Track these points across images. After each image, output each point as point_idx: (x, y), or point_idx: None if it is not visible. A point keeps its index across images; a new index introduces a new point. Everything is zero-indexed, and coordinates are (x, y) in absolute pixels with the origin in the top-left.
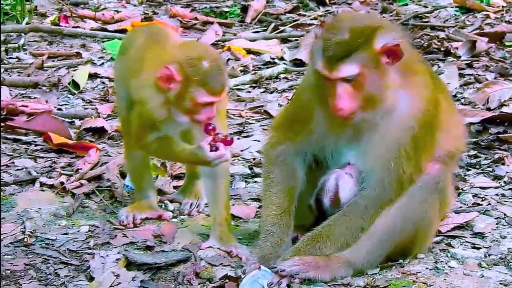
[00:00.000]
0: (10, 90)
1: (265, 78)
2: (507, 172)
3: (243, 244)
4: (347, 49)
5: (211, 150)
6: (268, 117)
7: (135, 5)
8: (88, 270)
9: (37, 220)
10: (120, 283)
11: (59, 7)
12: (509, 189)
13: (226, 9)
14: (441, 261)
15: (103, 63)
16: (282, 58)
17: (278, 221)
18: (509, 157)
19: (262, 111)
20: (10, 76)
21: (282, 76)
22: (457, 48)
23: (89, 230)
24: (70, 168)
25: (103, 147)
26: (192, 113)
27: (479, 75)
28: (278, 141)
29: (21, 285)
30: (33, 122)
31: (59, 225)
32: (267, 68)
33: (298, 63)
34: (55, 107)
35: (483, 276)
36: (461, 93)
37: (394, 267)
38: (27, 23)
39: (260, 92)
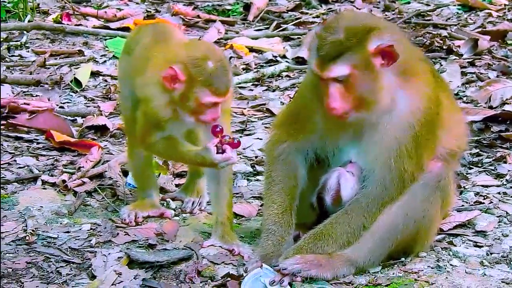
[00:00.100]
0: (12, 88)
1: (267, 76)
2: (509, 171)
3: (245, 242)
4: (339, 49)
5: (217, 152)
6: (270, 115)
7: (137, 3)
8: (90, 268)
9: (39, 218)
10: (122, 281)
11: (62, 5)
12: (511, 187)
13: (229, 7)
14: (443, 260)
15: (105, 61)
16: (284, 56)
17: (279, 220)
18: (511, 155)
19: (264, 109)
20: (12, 74)
21: (284, 74)
22: (459, 46)
23: (91, 228)
24: (72, 166)
25: (105, 145)
26: (197, 113)
27: (481, 73)
28: (280, 139)
29: (22, 283)
30: (35, 120)
31: (61, 223)
32: (269, 66)
33: (300, 61)
34: (57, 105)
35: (485, 274)
36: (463, 91)
37: (396, 265)
38: (29, 21)
39: (262, 90)
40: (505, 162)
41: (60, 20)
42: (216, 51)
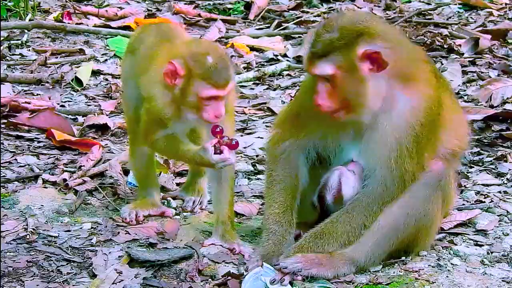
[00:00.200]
0: (13, 86)
1: (268, 75)
2: (509, 169)
3: (245, 241)
4: (328, 48)
5: (215, 153)
6: (271, 114)
7: (138, 2)
8: (91, 267)
9: (39, 217)
10: (122, 280)
11: (63, 3)
12: None
13: (230, 6)
14: (443, 258)
15: (106, 60)
16: (285, 55)
17: (280, 220)
18: None
19: (265, 108)
20: (13, 72)
21: (285, 73)
22: (460, 45)
23: (92, 227)
24: (73, 165)
25: (106, 144)
26: (198, 110)
27: (482, 72)
28: (281, 138)
29: (23, 282)
30: (36, 119)
31: (61, 222)
32: (270, 65)
33: (301, 60)
34: (58, 103)
35: (485, 273)
36: (464, 90)
37: (396, 264)
38: (30, 20)
39: (263, 89)
40: (506, 161)
41: (61, 18)
42: (217, 48)
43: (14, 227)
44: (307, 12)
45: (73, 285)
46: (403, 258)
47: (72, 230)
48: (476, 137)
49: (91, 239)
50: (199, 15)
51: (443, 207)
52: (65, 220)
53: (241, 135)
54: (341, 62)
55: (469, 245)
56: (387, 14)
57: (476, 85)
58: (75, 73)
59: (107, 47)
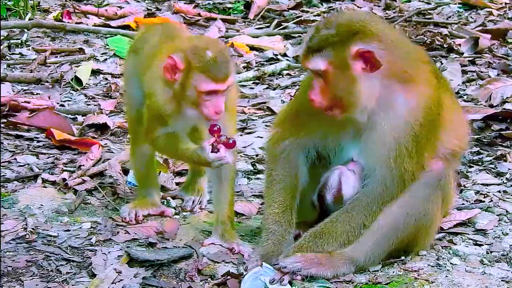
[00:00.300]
0: (13, 86)
1: (268, 74)
2: (509, 169)
3: (245, 241)
4: (323, 44)
5: (213, 151)
6: (271, 113)
7: (138, 1)
8: (90, 267)
9: (39, 217)
10: (122, 279)
11: (62, 3)
12: (511, 185)
13: (229, 6)
14: (443, 258)
15: (106, 59)
16: (285, 55)
17: (280, 219)
18: (511, 154)
19: (265, 107)
20: (13, 72)
21: (285, 72)
22: (460, 44)
23: (91, 227)
24: (73, 165)
25: (106, 144)
26: (198, 105)
27: (481, 72)
28: (281, 138)
29: (22, 282)
30: (35, 118)
31: (61, 222)
32: (270, 64)
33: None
34: (57, 103)
35: (485, 273)
36: (464, 90)
37: (396, 264)
38: (30, 19)
39: (263, 89)
40: (505, 161)
41: (60, 18)
42: (217, 43)
43: (13, 226)
44: (307, 12)
45: (73, 285)
46: (403, 257)
47: (71, 230)
48: (476, 136)
49: (91, 238)
50: (199, 15)
51: (442, 206)
52: (64, 219)
53: (241, 135)
54: (333, 59)
55: (468, 244)
56: (387, 13)
57: (476, 84)
58: (75, 72)
59: (107, 47)
